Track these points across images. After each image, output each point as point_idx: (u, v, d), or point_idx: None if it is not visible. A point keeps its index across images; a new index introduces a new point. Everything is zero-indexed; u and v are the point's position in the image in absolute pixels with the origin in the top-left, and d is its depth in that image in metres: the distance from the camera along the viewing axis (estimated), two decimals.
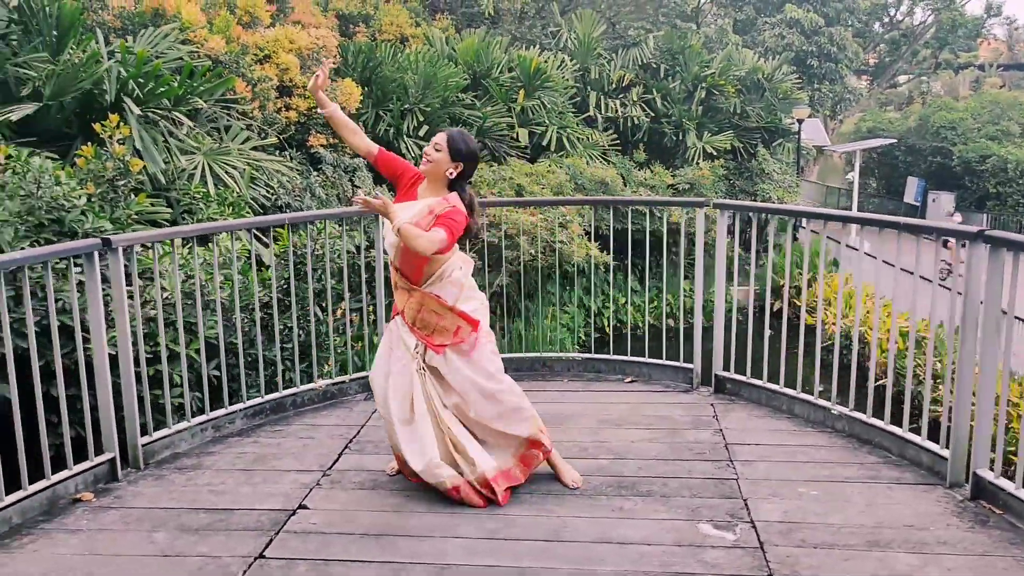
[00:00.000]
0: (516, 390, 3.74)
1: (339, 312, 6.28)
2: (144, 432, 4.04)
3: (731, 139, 20.03)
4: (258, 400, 4.61)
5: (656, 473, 3.82)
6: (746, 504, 3.49)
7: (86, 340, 3.84)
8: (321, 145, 12.29)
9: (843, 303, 15.91)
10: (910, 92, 42.18)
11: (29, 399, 3.49)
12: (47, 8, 8.49)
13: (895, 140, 28.98)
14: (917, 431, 3.86)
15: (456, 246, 3.68)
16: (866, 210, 32.33)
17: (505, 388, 3.70)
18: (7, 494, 3.41)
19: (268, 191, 10.31)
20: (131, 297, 4.01)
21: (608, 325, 16.15)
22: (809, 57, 28.85)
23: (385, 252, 3.87)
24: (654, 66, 20.80)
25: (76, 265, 3.96)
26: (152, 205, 7.57)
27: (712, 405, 4.74)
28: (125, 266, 3.92)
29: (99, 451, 3.83)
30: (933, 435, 3.80)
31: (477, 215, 3.71)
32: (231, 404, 4.49)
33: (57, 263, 4.45)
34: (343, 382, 5.03)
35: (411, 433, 3.64)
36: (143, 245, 4.35)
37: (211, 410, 4.45)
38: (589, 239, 13.36)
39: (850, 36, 30.06)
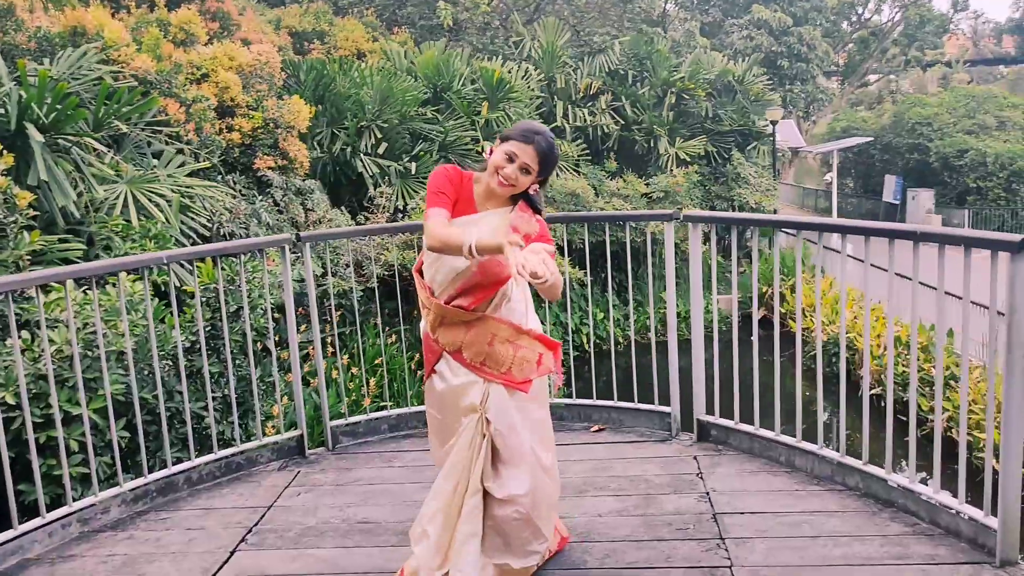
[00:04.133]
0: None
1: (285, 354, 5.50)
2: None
3: (704, 144, 19.42)
4: (139, 482, 3.75)
5: (627, 562, 3.01)
6: None
7: None
8: (268, 168, 11.44)
9: (825, 311, 15.24)
10: (880, 91, 41.92)
11: None
12: None
13: (872, 139, 28.50)
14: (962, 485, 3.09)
15: None
16: (845, 211, 31.86)
17: (554, 464, 2.92)
18: None
19: (208, 219, 9.48)
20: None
21: (586, 342, 15.44)
22: (779, 58, 28.30)
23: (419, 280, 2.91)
24: (622, 72, 20.17)
25: None
26: (63, 241, 6.77)
27: (695, 459, 3.94)
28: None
29: None
30: (975, 492, 3.04)
31: None
32: (103, 490, 3.64)
33: None
34: (255, 448, 4.19)
35: (444, 527, 2.77)
36: None
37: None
38: (561, 254, 12.65)
39: (819, 35, 29.59)
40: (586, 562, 3.03)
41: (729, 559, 2.99)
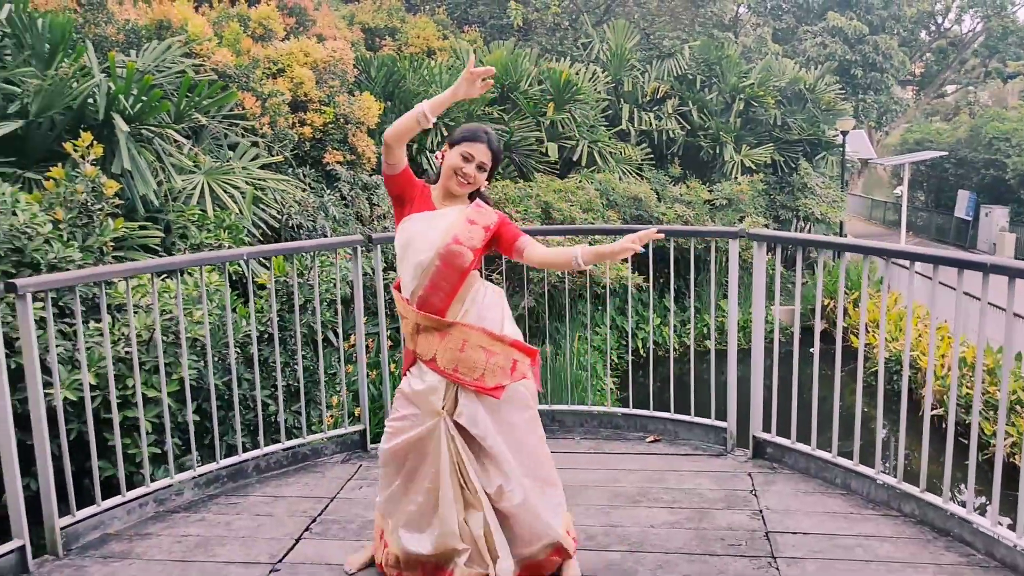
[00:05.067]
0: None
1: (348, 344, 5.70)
2: (65, 511, 3.40)
3: (771, 152, 19.17)
4: (212, 467, 3.95)
5: (679, 574, 3.07)
6: None
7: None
8: (337, 162, 11.71)
9: (889, 328, 14.92)
10: (957, 102, 40.71)
11: None
12: (40, 20, 8.04)
13: (945, 153, 27.71)
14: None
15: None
16: (914, 225, 31.10)
17: (550, 460, 3.04)
18: None
19: (279, 211, 9.76)
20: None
21: (642, 347, 15.41)
22: (853, 67, 27.71)
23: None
24: (690, 77, 20.03)
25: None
26: (142, 229, 7.06)
27: (750, 475, 3.97)
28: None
29: (6, 536, 3.20)
30: None
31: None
32: (179, 472, 3.84)
33: None
34: (320, 440, 4.35)
35: (425, 522, 2.91)
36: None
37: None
38: (623, 260, 12.65)
39: (896, 45, 28.87)
40: (637, 572, 3.10)
41: None
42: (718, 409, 4.38)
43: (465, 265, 2.89)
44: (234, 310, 5.73)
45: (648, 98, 19.46)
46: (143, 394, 4.36)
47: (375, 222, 11.78)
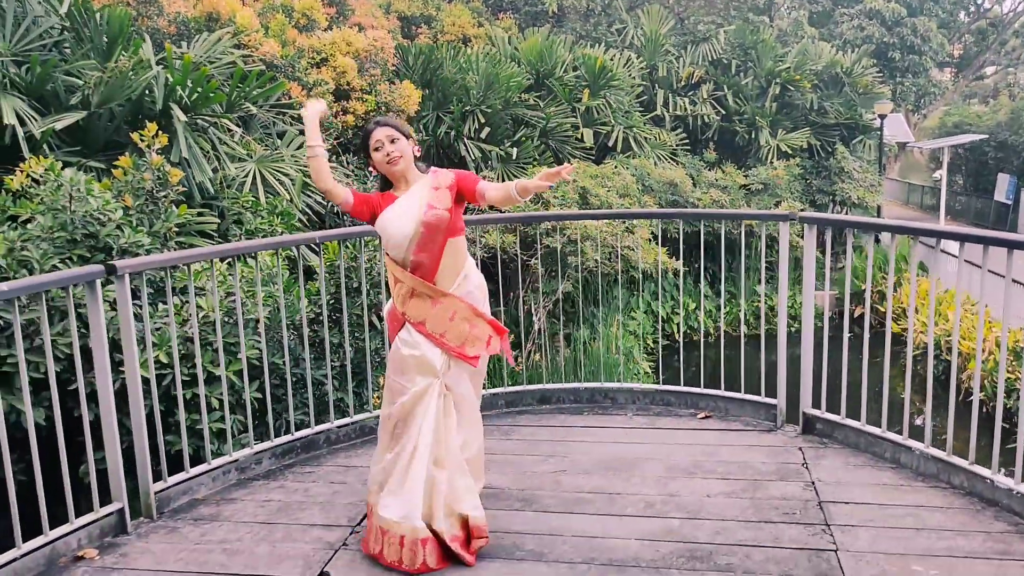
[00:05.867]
0: None
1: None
2: (158, 477, 3.64)
3: (807, 136, 19.09)
4: (287, 438, 4.18)
5: (737, 540, 3.24)
6: None
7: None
8: None
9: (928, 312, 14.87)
10: (996, 84, 40.01)
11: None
12: (98, 14, 8.31)
13: (985, 136, 27.31)
14: None
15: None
16: (953, 209, 30.73)
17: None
18: None
19: (324, 197, 10.00)
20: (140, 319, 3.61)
21: (677, 332, 15.51)
22: (891, 49, 27.38)
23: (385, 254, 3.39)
24: (725, 62, 19.97)
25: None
26: (200, 215, 7.31)
27: (800, 450, 4.12)
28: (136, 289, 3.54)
29: (106, 500, 3.44)
30: None
31: None
32: (259, 442, 4.07)
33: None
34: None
35: (402, 474, 3.16)
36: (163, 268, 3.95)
37: (238, 447, 4.05)
38: (658, 242, 12.75)
39: (934, 26, 28.46)
40: (697, 537, 3.27)
41: (834, 543, 3.18)
42: (767, 387, 4.53)
43: (444, 225, 3.22)
44: (289, 292, 5.98)
45: (683, 83, 19.45)
46: (211, 372, 4.62)
47: None
